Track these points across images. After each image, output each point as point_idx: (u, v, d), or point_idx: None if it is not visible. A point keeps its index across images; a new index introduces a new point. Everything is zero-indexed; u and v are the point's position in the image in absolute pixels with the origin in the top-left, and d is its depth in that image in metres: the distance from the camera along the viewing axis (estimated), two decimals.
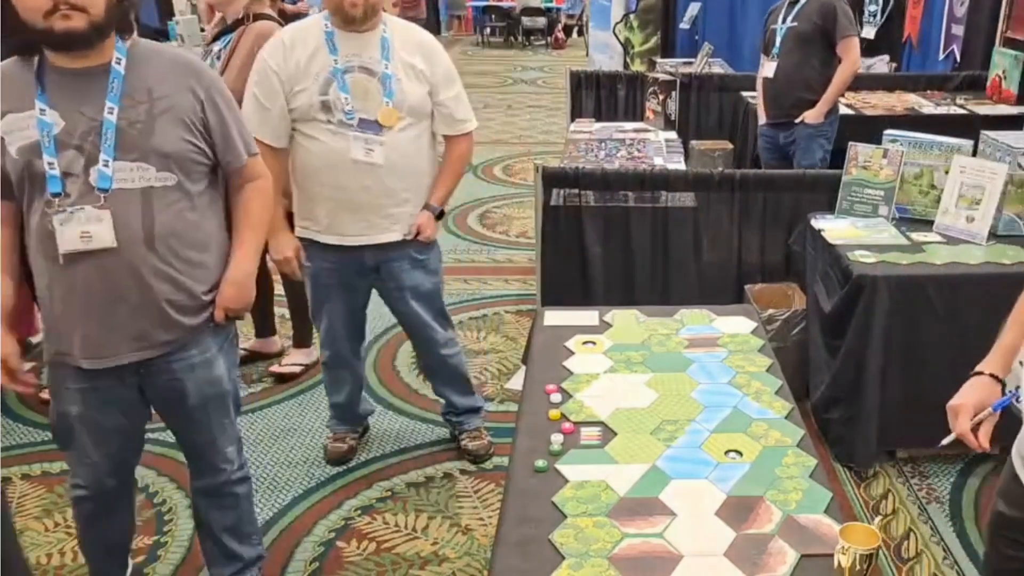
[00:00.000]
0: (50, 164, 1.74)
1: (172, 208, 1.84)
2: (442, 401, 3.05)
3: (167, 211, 1.83)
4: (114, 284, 1.81)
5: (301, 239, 2.63)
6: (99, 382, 1.90)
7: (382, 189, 2.53)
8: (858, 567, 1.31)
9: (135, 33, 1.85)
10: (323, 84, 2.44)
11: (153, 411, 2.06)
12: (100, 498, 2.06)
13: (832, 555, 1.35)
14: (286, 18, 3.57)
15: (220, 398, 2.07)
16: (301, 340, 3.60)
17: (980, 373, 1.57)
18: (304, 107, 2.46)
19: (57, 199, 1.74)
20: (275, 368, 3.57)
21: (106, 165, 1.75)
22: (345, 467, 2.97)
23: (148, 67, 1.82)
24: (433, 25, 16.00)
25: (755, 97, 5.16)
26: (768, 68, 4.30)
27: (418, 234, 2.63)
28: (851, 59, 4.08)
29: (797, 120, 4.18)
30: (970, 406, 1.53)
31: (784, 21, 4.18)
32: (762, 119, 4.42)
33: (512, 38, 15.25)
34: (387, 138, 2.48)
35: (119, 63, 1.78)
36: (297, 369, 3.56)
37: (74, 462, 2.03)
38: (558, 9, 15.26)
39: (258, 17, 3.25)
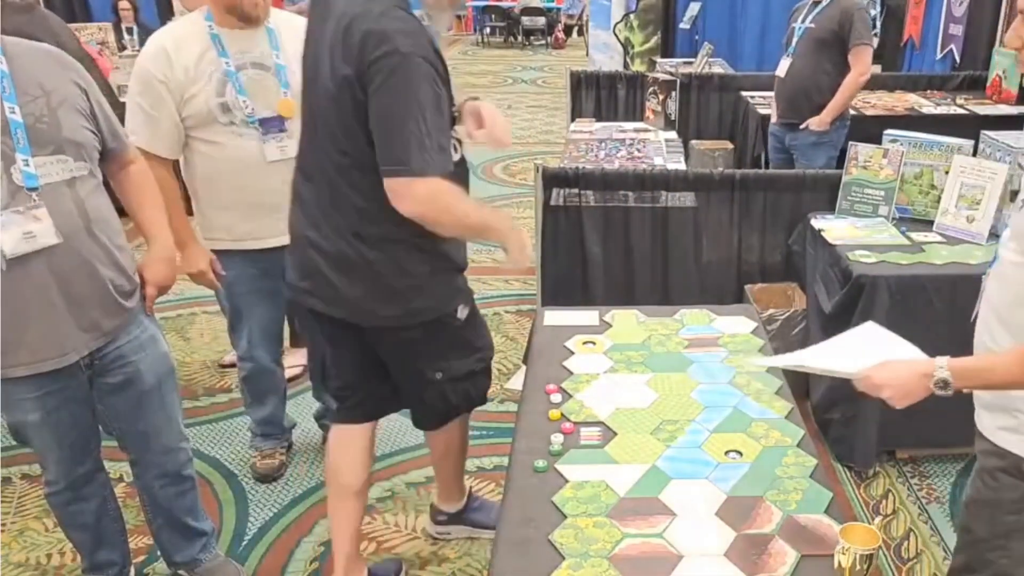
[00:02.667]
0: None
1: (94, 195, 1.87)
2: (320, 405, 3.01)
3: (92, 198, 1.86)
4: (66, 277, 1.81)
5: (214, 251, 2.52)
6: (54, 384, 1.90)
7: None
8: (858, 567, 1.31)
9: None
10: (218, 85, 2.36)
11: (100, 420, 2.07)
12: (72, 486, 2.09)
13: (832, 555, 1.35)
14: None
15: (170, 373, 2.14)
16: (298, 340, 3.59)
17: None
18: (201, 112, 2.36)
19: None
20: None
21: (27, 164, 1.73)
22: None
23: (29, 62, 1.80)
24: None
25: (754, 96, 5.18)
26: (782, 67, 4.25)
27: None
28: (860, 68, 3.99)
29: (802, 126, 4.15)
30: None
31: (804, 21, 4.12)
32: (774, 117, 4.40)
33: (512, 38, 15.26)
34: (294, 130, 2.36)
35: (0, 63, 1.74)
36: (298, 370, 3.56)
37: (42, 462, 2.08)
38: (558, 9, 15.27)
39: None
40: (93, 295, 1.87)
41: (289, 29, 2.47)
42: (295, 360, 3.59)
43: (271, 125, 2.42)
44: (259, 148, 2.41)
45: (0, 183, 1.71)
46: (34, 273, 1.77)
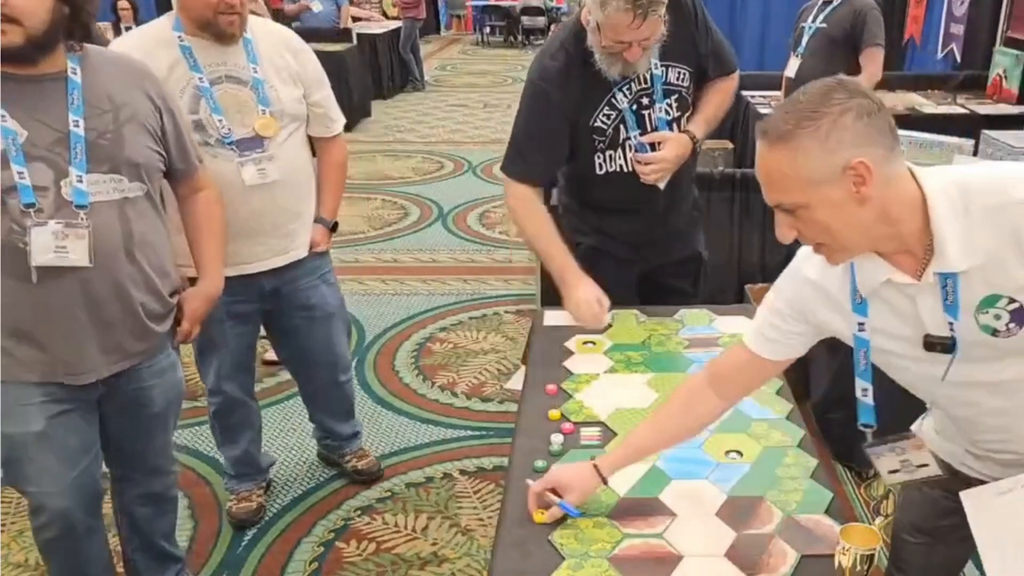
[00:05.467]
0: (20, 174, 1.63)
1: (145, 217, 1.80)
2: (313, 425, 2.89)
3: (141, 221, 1.79)
4: (96, 298, 1.74)
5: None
6: (63, 396, 1.80)
7: (278, 207, 2.31)
8: (859, 567, 1.31)
9: (89, 39, 1.75)
10: (191, 101, 2.16)
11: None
12: (69, 533, 1.92)
13: (833, 555, 1.35)
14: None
15: (178, 400, 2.07)
16: None
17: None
18: None
19: (32, 211, 1.64)
20: (268, 357, 3.55)
21: (80, 180, 1.67)
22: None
23: (104, 74, 1.75)
24: (433, 25, 16.03)
25: (755, 96, 5.18)
26: (792, 67, 4.17)
27: (310, 248, 2.46)
28: (871, 71, 3.93)
29: None
30: (553, 480, 1.53)
31: (814, 21, 4.07)
32: None
33: (512, 38, 15.26)
34: (273, 151, 2.25)
35: (75, 73, 1.69)
36: None
37: (34, 492, 1.89)
38: (558, 9, 15.27)
39: None
40: (122, 319, 1.80)
41: (267, 36, 2.30)
42: None
43: (248, 146, 2.22)
44: (236, 171, 2.21)
45: (48, 194, 1.66)
46: (64, 289, 1.70)
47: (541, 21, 14.84)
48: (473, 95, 10.39)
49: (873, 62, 3.94)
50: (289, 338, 2.59)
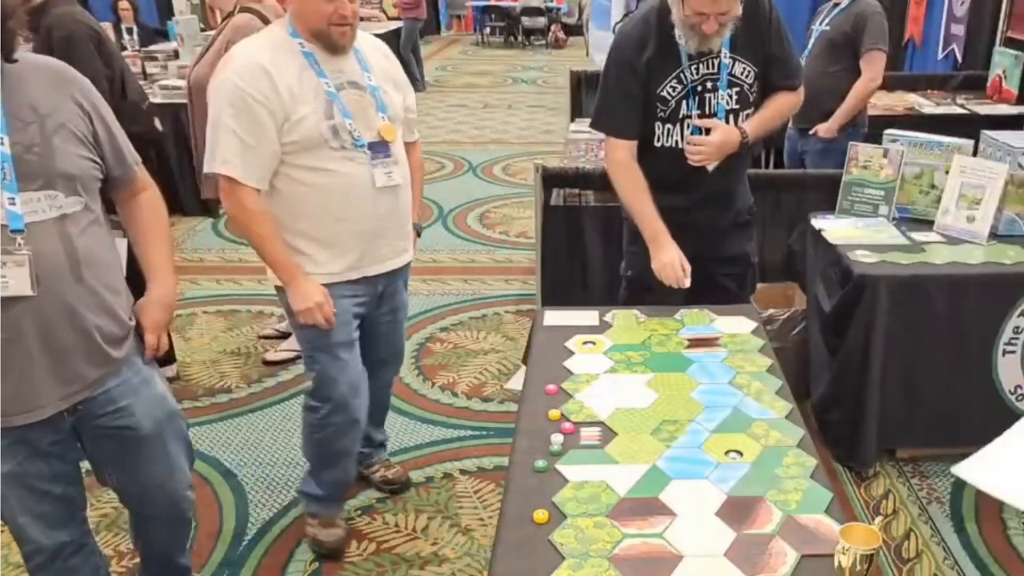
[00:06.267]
0: None
1: (88, 233, 1.68)
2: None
3: (84, 237, 1.66)
4: (46, 325, 1.62)
5: None
6: (30, 433, 1.69)
7: (400, 209, 2.35)
8: (858, 567, 1.31)
9: (9, 54, 1.59)
10: (325, 106, 2.15)
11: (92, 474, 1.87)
12: (58, 555, 1.85)
13: (832, 555, 1.35)
14: None
15: (172, 417, 1.92)
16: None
17: None
18: (311, 136, 2.14)
19: None
20: (269, 357, 3.57)
21: (12, 203, 1.54)
22: None
23: (26, 83, 1.60)
24: (433, 25, 16.02)
25: None
26: None
27: None
28: (870, 74, 3.89)
29: (810, 132, 4.06)
30: None
31: (821, 24, 4.06)
32: (790, 121, 4.23)
33: (512, 38, 15.27)
34: (396, 155, 2.29)
35: None
36: (291, 355, 3.55)
37: (17, 527, 1.80)
38: (558, 9, 15.28)
39: (243, 10, 3.11)
40: (76, 345, 1.67)
41: (365, 43, 2.31)
42: (291, 345, 3.59)
43: (378, 150, 2.23)
44: (368, 174, 2.21)
45: None
46: (10, 320, 1.58)
47: (541, 21, 14.85)
48: (473, 95, 10.39)
49: (873, 66, 3.90)
50: (370, 338, 2.50)
